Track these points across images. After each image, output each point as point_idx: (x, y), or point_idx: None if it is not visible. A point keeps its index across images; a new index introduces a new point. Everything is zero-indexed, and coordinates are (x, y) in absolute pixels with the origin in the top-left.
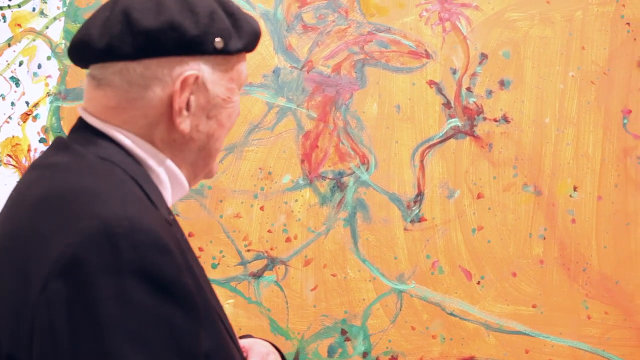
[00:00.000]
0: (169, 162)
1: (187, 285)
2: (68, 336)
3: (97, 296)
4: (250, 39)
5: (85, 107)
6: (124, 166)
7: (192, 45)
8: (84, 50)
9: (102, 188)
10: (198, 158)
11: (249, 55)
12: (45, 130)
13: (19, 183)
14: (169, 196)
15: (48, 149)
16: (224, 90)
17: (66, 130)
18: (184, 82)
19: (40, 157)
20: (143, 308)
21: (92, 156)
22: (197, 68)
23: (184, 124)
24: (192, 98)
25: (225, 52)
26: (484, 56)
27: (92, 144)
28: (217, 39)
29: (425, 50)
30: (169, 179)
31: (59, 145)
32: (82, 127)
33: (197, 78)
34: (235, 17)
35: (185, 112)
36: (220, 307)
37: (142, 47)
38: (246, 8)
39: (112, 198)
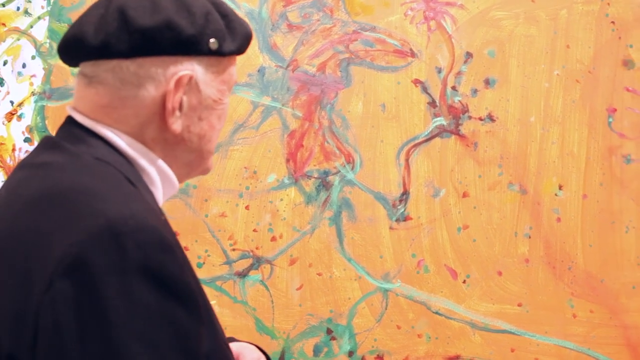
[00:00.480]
0: (160, 162)
1: (190, 285)
2: (75, 336)
3: (104, 296)
4: (242, 42)
5: (75, 106)
6: (117, 166)
7: (188, 45)
8: (77, 47)
9: (102, 187)
10: (191, 158)
11: None
12: (30, 129)
13: (7, 183)
14: (160, 196)
15: (36, 148)
16: (215, 91)
17: (51, 130)
18: (178, 82)
19: (28, 157)
20: (149, 307)
21: (87, 156)
22: (191, 68)
23: (176, 124)
24: (185, 98)
25: (219, 53)
26: (469, 55)
27: (83, 143)
28: (212, 40)
29: (411, 49)
30: (160, 178)
31: (48, 145)
32: (71, 126)
33: (190, 78)
34: (229, 19)
35: (177, 113)
36: (211, 307)
37: (138, 45)
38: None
39: (115, 197)
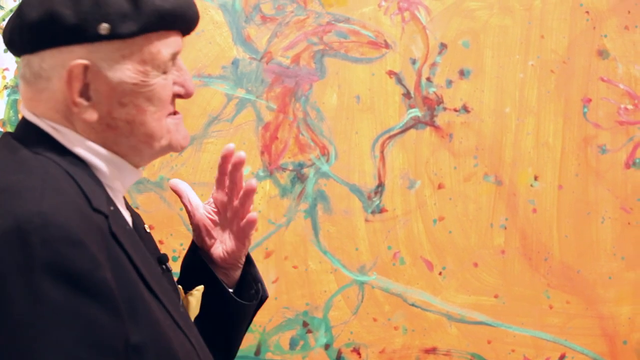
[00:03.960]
0: (100, 149)
1: (102, 278)
2: None
3: (10, 296)
4: (151, 20)
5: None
6: (55, 158)
7: (75, 34)
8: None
9: (23, 185)
10: (133, 143)
11: (207, 46)
12: (2, 123)
13: None
14: (116, 183)
15: None
16: (131, 74)
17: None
18: (70, 73)
19: None
20: (55, 304)
21: (26, 151)
22: (85, 56)
23: (86, 113)
24: (92, 87)
25: (115, 36)
26: (443, 46)
27: (27, 137)
28: (103, 25)
29: (385, 41)
30: (106, 164)
31: (2, 141)
32: (22, 120)
33: (86, 67)
34: None
35: (84, 102)
36: (171, 296)
37: (30, 40)
38: None
39: (30, 194)
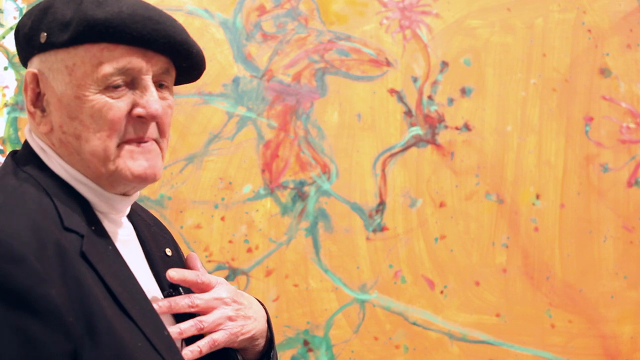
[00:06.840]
0: (71, 170)
1: (43, 294)
2: None
3: None
4: (80, 29)
5: None
6: (38, 177)
7: (28, 43)
8: None
9: None
10: (86, 162)
11: (207, 64)
12: (2, 141)
13: None
14: (102, 204)
15: None
16: (72, 87)
17: (23, 141)
18: (25, 82)
19: None
20: None
21: (13, 168)
22: (37, 66)
23: (41, 125)
24: (45, 98)
25: (50, 46)
26: (444, 64)
27: (21, 155)
28: (43, 34)
29: (386, 59)
30: (81, 187)
31: (5, 158)
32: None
33: (34, 75)
34: (79, 9)
35: (39, 113)
36: (156, 320)
37: (17, 52)
38: (205, 17)
39: None
